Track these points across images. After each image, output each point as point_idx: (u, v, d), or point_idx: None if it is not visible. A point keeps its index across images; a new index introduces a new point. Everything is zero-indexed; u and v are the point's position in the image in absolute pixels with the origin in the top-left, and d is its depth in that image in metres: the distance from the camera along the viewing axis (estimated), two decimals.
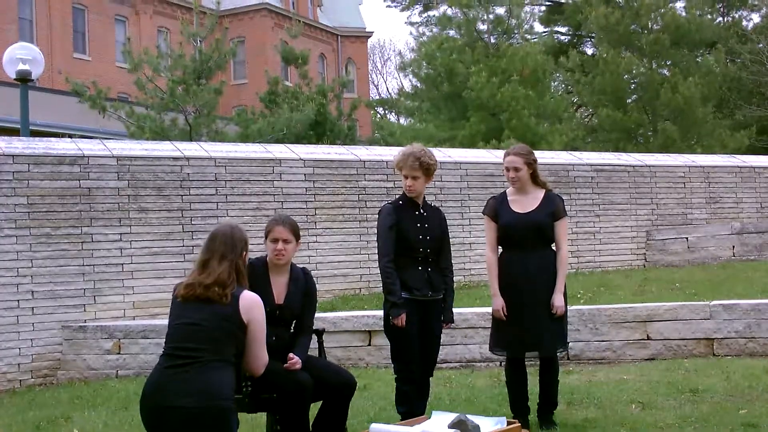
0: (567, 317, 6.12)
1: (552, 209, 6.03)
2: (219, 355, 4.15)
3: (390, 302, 5.68)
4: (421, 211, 5.88)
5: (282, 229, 5.30)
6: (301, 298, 5.38)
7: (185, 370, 4.09)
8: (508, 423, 4.30)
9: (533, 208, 6.03)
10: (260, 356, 4.37)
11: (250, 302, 4.30)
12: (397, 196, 6.04)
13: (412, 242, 5.76)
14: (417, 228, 5.79)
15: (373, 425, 4.41)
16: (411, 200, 5.86)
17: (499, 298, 6.01)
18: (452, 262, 6.07)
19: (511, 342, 5.99)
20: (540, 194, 6.09)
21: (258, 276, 5.22)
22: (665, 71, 30.12)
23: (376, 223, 5.92)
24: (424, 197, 5.97)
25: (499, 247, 6.16)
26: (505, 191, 6.23)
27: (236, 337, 4.23)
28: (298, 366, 5.00)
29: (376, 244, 5.91)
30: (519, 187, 6.09)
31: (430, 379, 6.01)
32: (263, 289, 5.13)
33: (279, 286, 5.34)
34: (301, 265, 5.59)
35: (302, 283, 5.42)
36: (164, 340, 4.40)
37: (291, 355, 5.08)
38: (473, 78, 26.13)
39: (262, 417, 5.74)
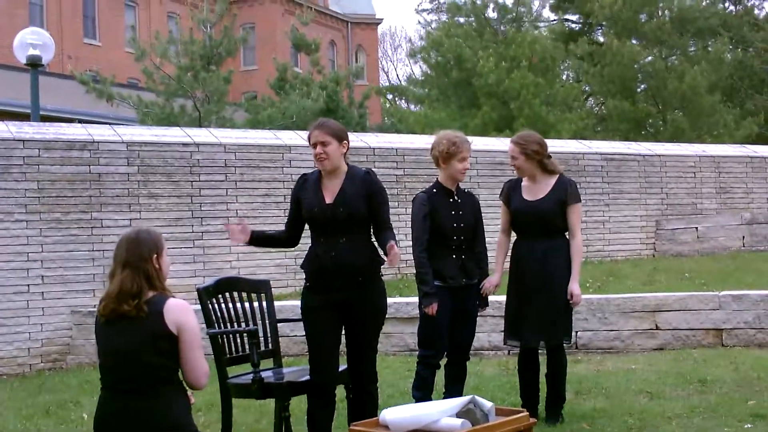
0: (572, 310, 6.02)
1: (562, 197, 5.93)
2: (165, 377, 3.83)
3: (423, 291, 5.68)
4: (456, 198, 5.83)
5: (317, 132, 4.98)
6: (361, 198, 4.99)
7: (138, 403, 3.77)
8: (517, 412, 4.28)
9: (542, 196, 5.96)
10: (198, 365, 3.88)
11: (177, 309, 3.85)
12: (430, 185, 5.98)
13: (447, 231, 5.73)
14: (451, 216, 5.75)
15: (385, 411, 4.36)
16: (445, 188, 5.81)
17: (496, 275, 6.03)
18: (486, 246, 6.03)
19: (522, 332, 5.96)
20: (552, 181, 5.99)
21: (309, 185, 5.08)
22: (674, 59, 29.98)
23: (411, 212, 5.87)
24: (458, 183, 5.94)
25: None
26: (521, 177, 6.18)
27: (172, 353, 3.83)
28: (396, 250, 4.80)
29: (411, 234, 5.85)
30: (525, 175, 6.03)
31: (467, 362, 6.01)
32: (314, 195, 5.00)
33: (330, 188, 5.03)
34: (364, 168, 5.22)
35: (360, 183, 5.02)
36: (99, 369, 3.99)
37: (391, 244, 4.84)
38: (482, 63, 25.98)
39: (270, 403, 5.76)
